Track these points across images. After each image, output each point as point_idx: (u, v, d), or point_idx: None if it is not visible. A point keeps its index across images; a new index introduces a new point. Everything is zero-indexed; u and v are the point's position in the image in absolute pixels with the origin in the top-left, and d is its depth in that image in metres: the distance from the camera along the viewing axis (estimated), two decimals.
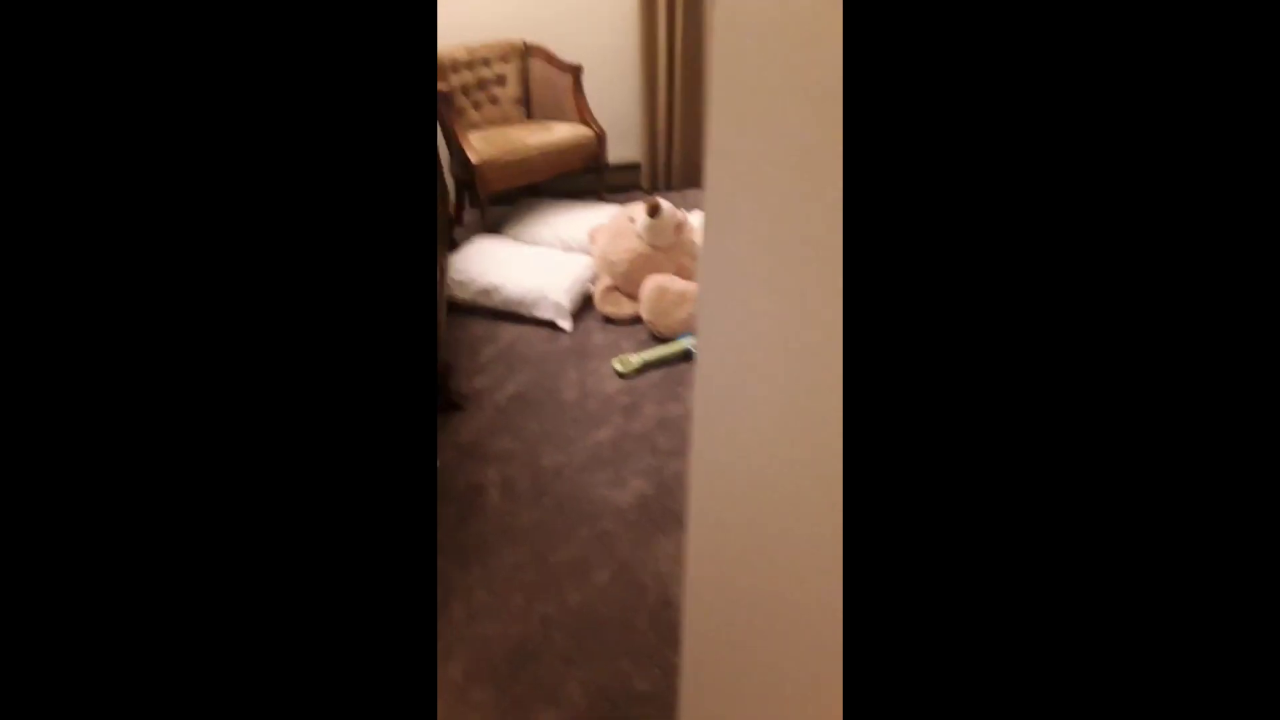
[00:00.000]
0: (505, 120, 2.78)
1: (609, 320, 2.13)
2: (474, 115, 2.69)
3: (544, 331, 2.10)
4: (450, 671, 1.16)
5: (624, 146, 3.06)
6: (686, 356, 1.93)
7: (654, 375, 1.89)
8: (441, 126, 2.47)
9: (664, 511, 1.45)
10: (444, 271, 1.74)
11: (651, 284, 2.02)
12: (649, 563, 1.34)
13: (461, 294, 2.17)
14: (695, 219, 2.33)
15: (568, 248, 2.40)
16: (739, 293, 0.50)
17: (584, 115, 2.72)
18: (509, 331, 2.11)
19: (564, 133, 2.62)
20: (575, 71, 2.70)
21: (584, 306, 2.20)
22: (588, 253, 2.32)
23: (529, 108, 2.85)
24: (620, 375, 1.88)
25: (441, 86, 2.48)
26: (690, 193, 3.12)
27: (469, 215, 2.73)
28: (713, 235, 0.52)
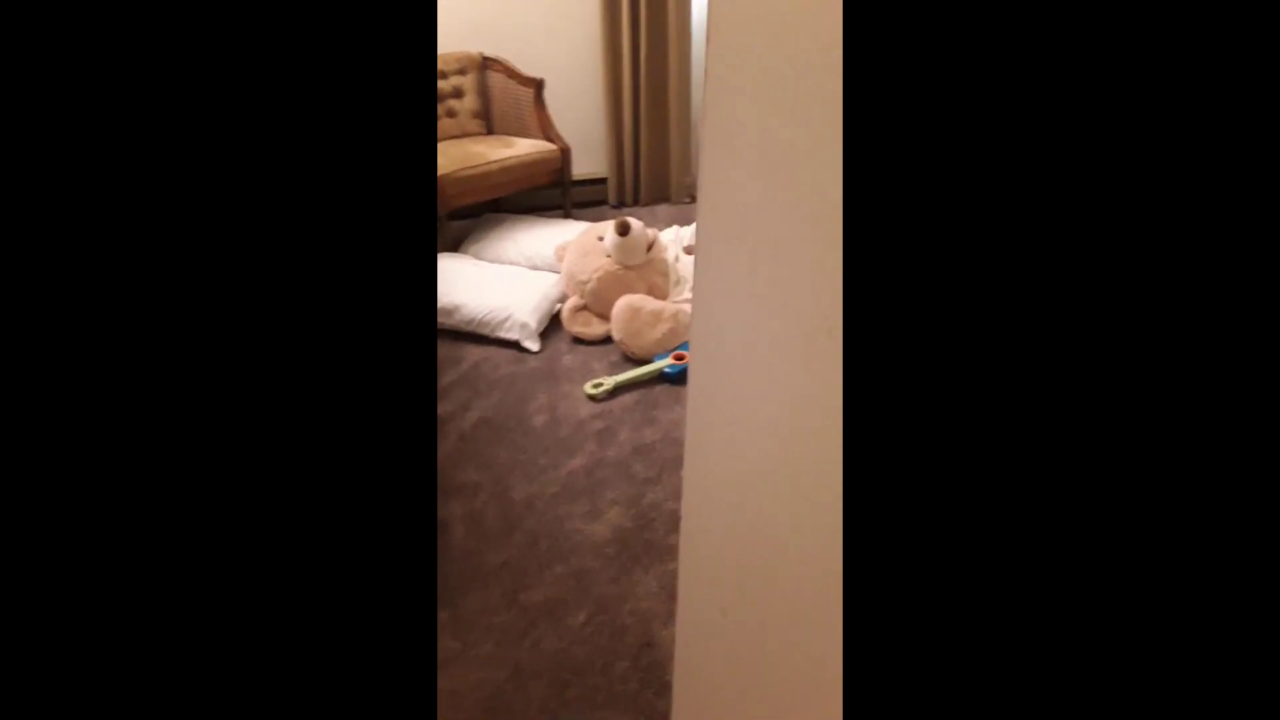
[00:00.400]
0: (463, 134, 2.69)
1: (578, 341, 2.06)
2: (441, 129, 2.60)
3: (510, 353, 2.01)
4: None
5: (589, 161, 3.01)
6: (661, 378, 1.87)
7: (627, 398, 1.82)
8: None
9: (643, 544, 1.38)
10: None
11: (623, 304, 1.96)
12: (628, 600, 1.26)
13: None
14: (666, 236, 2.28)
15: (533, 265, 2.32)
16: (733, 308, 0.45)
17: (547, 130, 2.66)
18: (473, 353, 2.01)
19: (526, 148, 2.56)
20: (537, 85, 2.64)
21: (551, 326, 2.12)
22: (554, 270, 2.25)
23: (489, 122, 2.77)
24: (592, 398, 1.81)
25: None
26: (659, 208, 3.08)
27: None
28: (706, 250, 0.46)
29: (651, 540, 1.39)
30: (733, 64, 0.41)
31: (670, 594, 1.27)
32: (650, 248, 2.09)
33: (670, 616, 1.23)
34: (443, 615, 1.24)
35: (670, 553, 1.35)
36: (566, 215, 2.76)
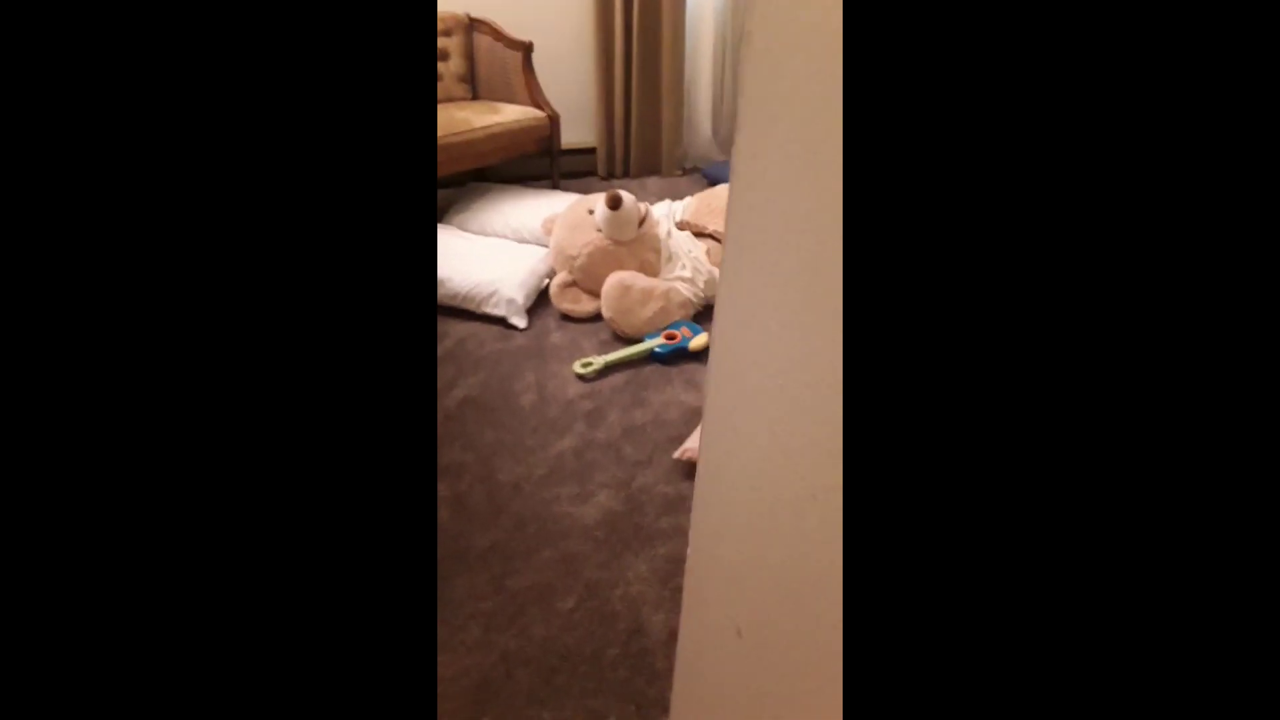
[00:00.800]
0: (448, 98, 2.58)
1: (567, 318, 2.01)
2: None
3: (496, 329, 1.96)
4: None
5: (578, 130, 2.92)
6: (652, 357, 1.84)
7: (617, 378, 1.78)
8: None
9: (633, 529, 1.36)
10: None
11: (614, 280, 1.91)
12: (618, 585, 1.24)
13: None
14: (658, 210, 2.22)
15: (520, 238, 2.25)
16: (761, 295, 0.41)
17: (535, 96, 2.55)
18: (457, 329, 1.96)
19: (513, 114, 2.46)
20: (525, 49, 2.53)
21: (539, 302, 2.07)
22: (542, 244, 2.18)
23: (474, 86, 2.66)
24: (580, 378, 1.77)
25: None
26: (649, 181, 3.00)
27: None
28: (735, 235, 0.42)
29: (641, 524, 1.36)
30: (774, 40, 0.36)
31: (661, 578, 1.25)
32: (642, 222, 2.03)
33: (660, 602, 1.21)
34: None
35: (661, 536, 1.33)
36: (554, 186, 2.67)
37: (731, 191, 0.42)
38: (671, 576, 1.26)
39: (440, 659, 1.12)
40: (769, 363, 0.42)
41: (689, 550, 0.54)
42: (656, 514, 1.39)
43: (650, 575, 1.26)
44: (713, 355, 0.47)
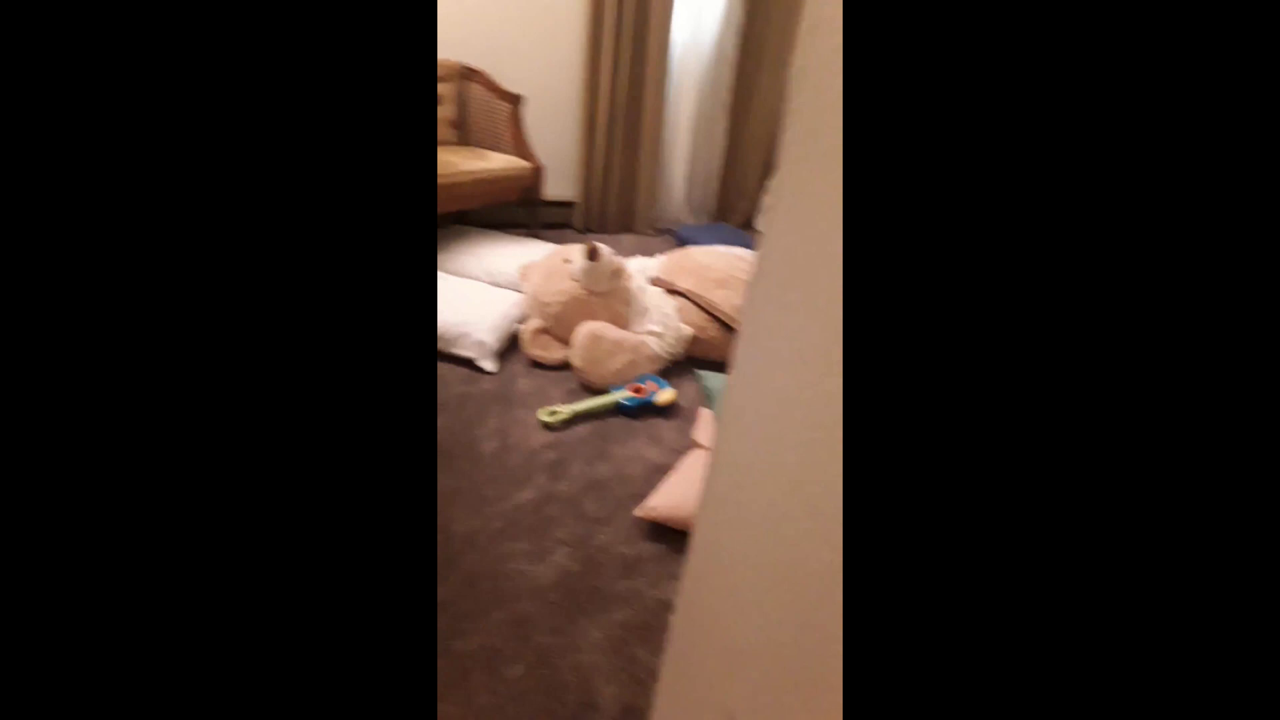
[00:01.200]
0: (441, 144, 2.60)
1: (536, 365, 1.98)
2: None
3: (463, 371, 1.91)
4: None
5: (559, 183, 2.97)
6: (618, 410, 1.81)
7: (581, 429, 1.75)
8: None
9: (589, 591, 1.30)
10: None
11: (585, 330, 1.90)
12: (570, 653, 1.17)
13: None
14: (631, 266, 2.25)
15: (495, 283, 2.24)
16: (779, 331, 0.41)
17: (521, 147, 2.60)
18: None
19: (500, 162, 2.49)
20: (515, 100, 2.59)
21: (509, 348, 2.03)
22: (516, 290, 2.17)
23: (463, 133, 2.70)
24: (546, 426, 1.72)
25: None
26: (624, 238, 3.06)
27: None
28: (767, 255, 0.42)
29: (598, 586, 1.30)
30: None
31: (614, 646, 1.19)
32: (617, 275, 2.05)
33: (614, 673, 1.14)
34: None
35: (618, 601, 1.28)
36: (533, 235, 2.69)
37: (760, 255, 0.42)
38: (625, 644, 1.20)
39: None
40: (779, 436, 0.41)
41: (672, 622, 0.51)
42: (614, 576, 1.33)
43: (604, 643, 1.19)
44: (719, 430, 0.46)
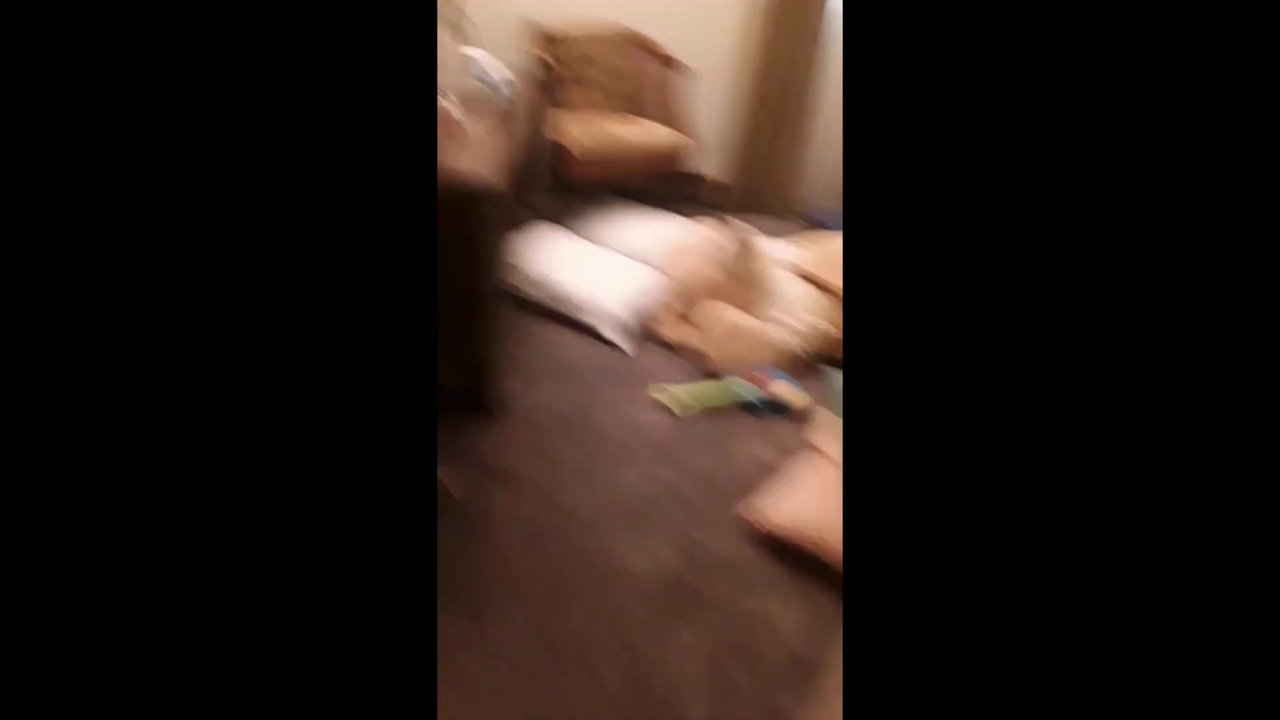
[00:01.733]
0: (593, 106, 2.58)
1: (663, 344, 1.91)
2: (567, 95, 2.50)
3: (588, 341, 1.88)
4: None
5: (705, 160, 2.85)
6: (746, 407, 1.69)
7: (702, 418, 1.65)
8: (535, 97, 2.27)
9: (686, 591, 1.21)
10: (498, 253, 1.54)
11: (716, 314, 1.80)
12: (660, 659, 1.10)
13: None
14: (782, 251, 2.10)
15: (634, 256, 2.18)
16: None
17: (680, 120, 2.51)
18: (549, 332, 1.90)
19: (661, 135, 2.41)
20: (680, 71, 2.50)
21: (637, 323, 1.98)
22: (656, 266, 2.10)
23: (623, 101, 2.65)
24: (663, 408, 1.65)
25: (540, 56, 2.30)
26: (766, 221, 2.88)
27: (536, 198, 2.51)
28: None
29: (697, 588, 1.22)
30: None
31: (710, 662, 1.10)
32: (760, 262, 1.91)
33: (708, 692, 1.05)
34: (463, 623, 1.11)
35: (715, 610, 1.18)
36: (678, 211, 2.60)
37: None
38: (723, 663, 1.10)
39: (448, 699, 1.01)
40: None
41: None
42: (712, 579, 1.24)
43: (699, 655, 1.11)
44: None
